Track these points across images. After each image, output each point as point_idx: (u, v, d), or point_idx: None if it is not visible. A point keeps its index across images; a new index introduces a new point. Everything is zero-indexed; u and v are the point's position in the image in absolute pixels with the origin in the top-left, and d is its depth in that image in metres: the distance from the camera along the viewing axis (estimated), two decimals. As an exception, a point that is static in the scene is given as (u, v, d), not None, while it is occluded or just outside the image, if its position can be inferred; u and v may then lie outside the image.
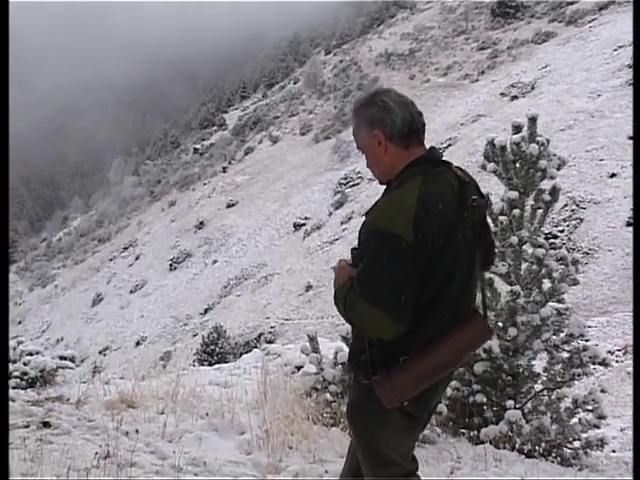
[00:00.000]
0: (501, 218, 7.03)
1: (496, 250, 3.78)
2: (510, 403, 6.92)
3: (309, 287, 48.82)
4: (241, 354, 23.47)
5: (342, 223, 57.36)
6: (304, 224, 62.81)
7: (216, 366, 10.35)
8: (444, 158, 3.54)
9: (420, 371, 3.27)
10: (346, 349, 6.79)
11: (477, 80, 78.65)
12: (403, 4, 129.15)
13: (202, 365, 23.93)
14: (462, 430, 7.09)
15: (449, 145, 61.66)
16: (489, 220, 3.48)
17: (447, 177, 3.43)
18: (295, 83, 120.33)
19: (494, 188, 7.84)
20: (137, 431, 6.02)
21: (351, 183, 66.04)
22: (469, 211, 3.41)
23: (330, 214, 61.56)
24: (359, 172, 66.78)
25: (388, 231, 3.19)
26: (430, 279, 3.26)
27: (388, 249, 3.20)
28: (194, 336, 49.36)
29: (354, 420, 3.65)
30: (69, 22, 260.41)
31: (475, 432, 6.95)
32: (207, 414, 6.47)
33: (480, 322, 3.44)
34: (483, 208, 3.56)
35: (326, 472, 5.35)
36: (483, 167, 7.43)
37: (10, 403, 6.66)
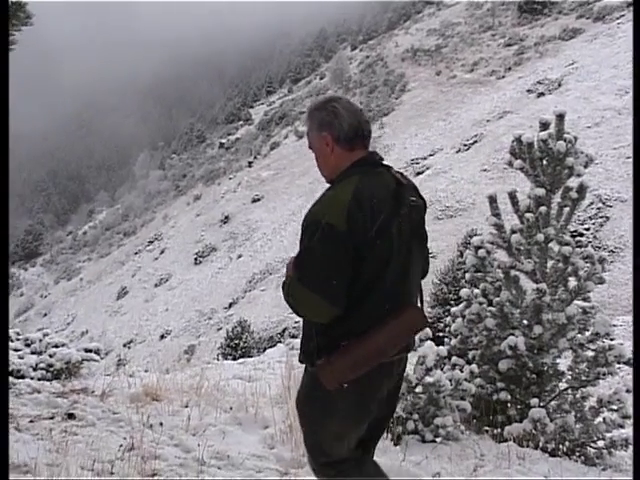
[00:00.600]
0: (527, 215, 7.00)
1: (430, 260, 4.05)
2: (534, 401, 6.90)
3: (334, 282, 48.85)
4: (265, 349, 23.49)
5: (367, 218, 57.33)
6: (330, 220, 62.82)
7: (240, 360, 10.38)
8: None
9: (358, 355, 3.49)
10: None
11: (503, 77, 78.29)
12: (430, 0, 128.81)
13: (226, 359, 24.01)
14: (486, 428, 7.08)
15: (475, 142, 61.46)
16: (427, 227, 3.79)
17: (384, 177, 3.75)
18: (321, 78, 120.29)
19: (520, 185, 7.82)
20: (161, 424, 6.05)
21: (376, 178, 66.02)
22: (406, 210, 3.69)
23: (356, 210, 61.57)
24: (385, 168, 66.73)
25: (323, 221, 3.47)
26: (363, 268, 3.51)
27: (322, 237, 3.46)
28: (218, 330, 49.48)
29: (302, 408, 3.85)
30: (97, 19, 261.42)
31: (499, 430, 6.94)
32: (231, 408, 6.49)
33: (415, 311, 3.70)
34: (421, 209, 3.84)
35: (349, 467, 5.36)
36: (510, 164, 7.40)
37: (35, 394, 6.72)
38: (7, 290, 3.55)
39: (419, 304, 3.87)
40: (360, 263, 3.50)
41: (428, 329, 6.63)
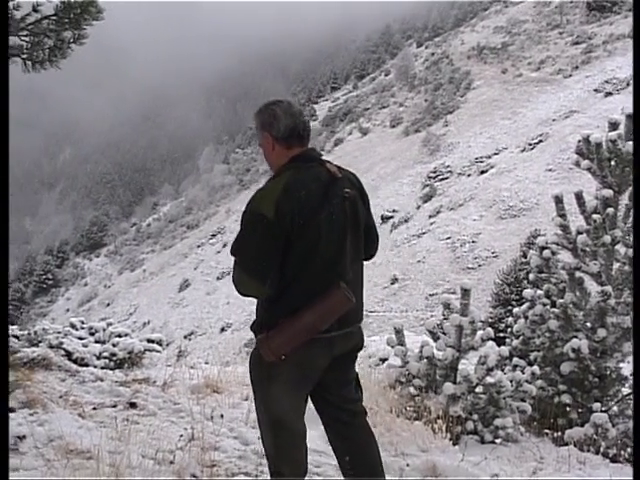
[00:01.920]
0: (594, 217, 6.92)
1: (378, 245, 4.54)
2: (596, 405, 6.81)
3: (395, 280, 48.73)
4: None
5: (430, 217, 57.08)
6: (392, 217, 62.73)
7: (301, 355, 10.39)
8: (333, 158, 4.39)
9: (292, 331, 3.92)
10: (432, 344, 6.77)
11: (570, 75, 77.38)
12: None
13: (286, 354, 24.13)
14: (546, 430, 7.00)
15: (540, 141, 60.88)
16: (370, 214, 4.46)
17: (316, 171, 4.12)
18: (386, 75, 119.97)
19: (585, 186, 7.73)
20: (222, 416, 6.08)
21: (440, 177, 65.67)
22: (338, 200, 4.08)
23: (418, 207, 61.35)
24: (449, 166, 66.38)
25: (255, 211, 3.94)
26: (293, 252, 3.95)
27: (253, 225, 3.95)
28: (279, 324, 49.74)
29: (252, 375, 4.24)
30: (164, 14, 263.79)
31: (559, 433, 6.85)
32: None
33: (341, 292, 3.97)
34: (355, 199, 4.22)
35: (407, 465, 5.33)
36: (577, 164, 7.32)
37: (99, 383, 6.81)
38: (7, 290, 3.64)
39: (360, 286, 4.27)
40: (290, 248, 3.94)
41: (490, 329, 6.60)
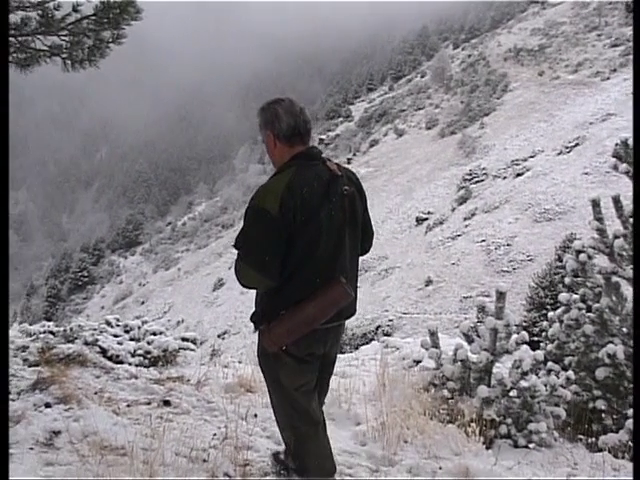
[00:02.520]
0: (632, 221, 6.85)
1: (373, 240, 4.89)
2: (632, 412, 6.75)
3: (429, 282, 48.58)
4: (358, 345, 23.47)
5: (465, 219, 56.86)
6: (427, 218, 62.57)
7: (334, 356, 10.38)
8: (327, 156, 4.48)
9: (292, 323, 4.18)
10: (466, 347, 6.75)
11: (608, 78, 76.80)
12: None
13: (319, 354, 24.11)
14: (580, 436, 6.94)
15: (577, 144, 60.44)
16: (365, 212, 4.78)
17: (318, 169, 4.34)
18: (422, 77, 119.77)
19: (622, 189, 7.65)
20: (255, 415, 6.10)
21: (476, 179, 65.41)
22: (338, 198, 4.32)
23: (453, 209, 61.13)
24: (484, 168, 66.07)
25: (259, 207, 4.15)
26: (295, 247, 4.17)
27: (257, 220, 4.15)
28: (313, 325, 49.74)
29: (260, 364, 4.58)
30: (201, 14, 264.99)
31: (593, 439, 6.79)
32: (324, 403, 6.52)
33: (341, 286, 4.23)
34: (354, 197, 4.48)
35: (440, 469, 5.32)
36: (615, 167, 7.25)
37: (133, 380, 6.86)
38: (7, 289, 3.68)
39: (355, 280, 4.53)
40: (292, 243, 4.15)
41: (525, 333, 6.58)
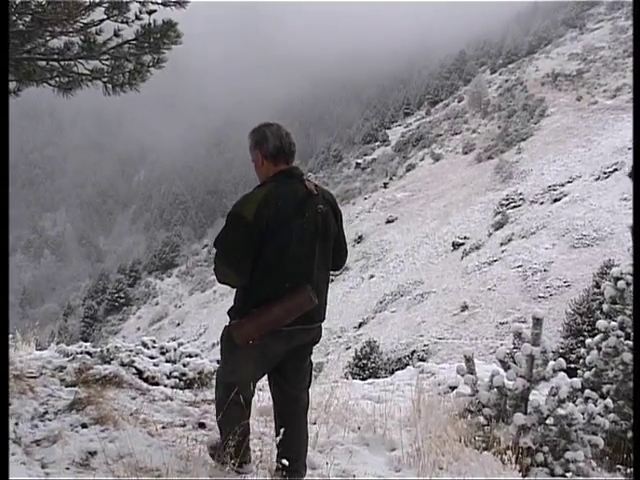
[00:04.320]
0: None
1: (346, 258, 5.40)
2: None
3: (465, 307, 48.35)
4: (393, 370, 23.36)
5: (502, 244, 56.60)
6: (463, 243, 62.34)
7: (369, 380, 10.34)
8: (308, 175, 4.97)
9: (260, 321, 4.68)
10: (503, 373, 6.70)
11: (648, 103, 76.16)
12: (572, 23, 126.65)
13: (354, 379, 24.06)
14: (618, 466, 6.86)
15: (615, 169, 60.08)
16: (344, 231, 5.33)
17: (295, 187, 4.86)
18: (459, 101, 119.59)
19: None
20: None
21: (512, 204, 65.13)
22: (310, 214, 4.83)
23: (490, 235, 60.86)
24: (521, 193, 65.80)
25: (237, 212, 4.73)
26: (266, 251, 4.70)
27: (234, 224, 4.73)
28: (347, 349, 49.61)
29: (220, 345, 5.06)
30: (238, 38, 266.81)
31: (632, 469, 6.71)
32: (359, 428, 6.48)
33: (307, 292, 4.72)
34: (326, 215, 4.95)
35: (476, 496, 5.29)
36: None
37: (168, 402, 6.87)
38: (7, 289, 3.73)
39: (324, 290, 5.04)
40: (264, 247, 4.69)
41: (562, 360, 6.52)
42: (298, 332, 4.88)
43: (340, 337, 55.59)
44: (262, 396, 7.40)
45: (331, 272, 5.27)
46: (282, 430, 5.00)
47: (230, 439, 4.93)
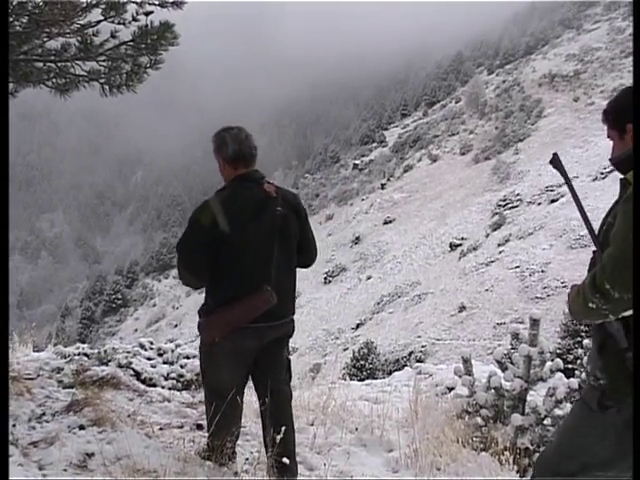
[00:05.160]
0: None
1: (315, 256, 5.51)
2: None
3: (462, 308, 48.35)
4: (390, 371, 23.36)
5: (499, 245, 56.62)
6: (460, 244, 62.34)
7: (367, 382, 10.33)
8: (267, 178, 5.13)
9: (223, 320, 4.86)
10: (500, 374, 6.70)
11: (646, 104, 76.28)
12: (569, 24, 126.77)
13: (351, 380, 24.08)
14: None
15: (612, 170, 59.91)
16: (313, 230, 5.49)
17: (252, 190, 5.00)
18: (457, 102, 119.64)
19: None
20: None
21: (510, 205, 65.17)
22: (269, 216, 4.95)
23: (487, 235, 60.88)
24: (518, 194, 65.87)
25: (195, 217, 4.88)
26: (224, 253, 4.84)
27: (192, 228, 4.90)
28: (344, 350, 49.56)
29: (199, 356, 5.33)
30: (235, 39, 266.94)
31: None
32: (356, 429, 6.48)
33: (264, 293, 4.84)
34: (286, 217, 5.03)
35: (473, 497, 5.29)
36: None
37: (166, 403, 6.87)
38: (7, 289, 3.74)
39: (290, 288, 5.19)
40: (221, 250, 4.83)
41: (559, 360, 6.53)
42: (266, 329, 5.02)
43: (338, 338, 55.61)
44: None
45: (306, 268, 5.53)
46: (268, 427, 5.12)
47: (219, 440, 5.13)
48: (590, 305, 3.23)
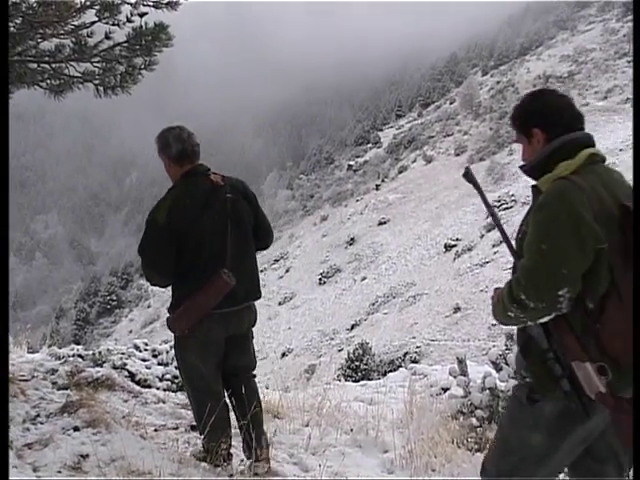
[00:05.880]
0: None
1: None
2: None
3: (457, 309, 48.34)
4: (385, 372, 23.35)
5: (494, 246, 56.57)
6: (455, 245, 62.30)
7: (361, 382, 10.33)
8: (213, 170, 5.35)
9: (188, 311, 5.01)
10: (495, 375, 6.71)
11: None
12: (563, 25, 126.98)
13: (346, 381, 24.09)
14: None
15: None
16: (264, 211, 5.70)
17: (200, 183, 5.18)
18: (451, 103, 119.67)
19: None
20: (281, 442, 6.10)
21: (504, 206, 65.05)
22: (220, 204, 5.13)
23: (482, 236, 60.84)
24: (513, 195, 65.85)
25: (151, 218, 5.04)
26: (184, 249, 5.01)
27: (149, 229, 5.05)
28: (339, 351, 49.55)
29: (174, 347, 5.44)
30: (230, 41, 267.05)
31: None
32: (351, 430, 6.48)
33: (222, 277, 4.99)
34: (236, 201, 5.23)
35: (468, 498, 5.29)
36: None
37: (161, 404, 6.87)
38: (7, 289, 3.75)
39: (249, 270, 5.33)
40: (181, 246, 5.00)
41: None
42: (232, 315, 5.21)
43: (332, 339, 55.55)
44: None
45: (265, 251, 5.94)
46: (238, 412, 5.39)
47: (214, 441, 5.23)
48: (509, 314, 3.39)
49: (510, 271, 3.88)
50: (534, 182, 3.60)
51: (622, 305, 3.17)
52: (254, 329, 5.65)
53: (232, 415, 5.49)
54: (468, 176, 3.96)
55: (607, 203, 3.28)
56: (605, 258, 3.19)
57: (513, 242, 3.76)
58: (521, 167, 3.74)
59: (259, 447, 5.26)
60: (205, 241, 5.07)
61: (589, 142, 3.53)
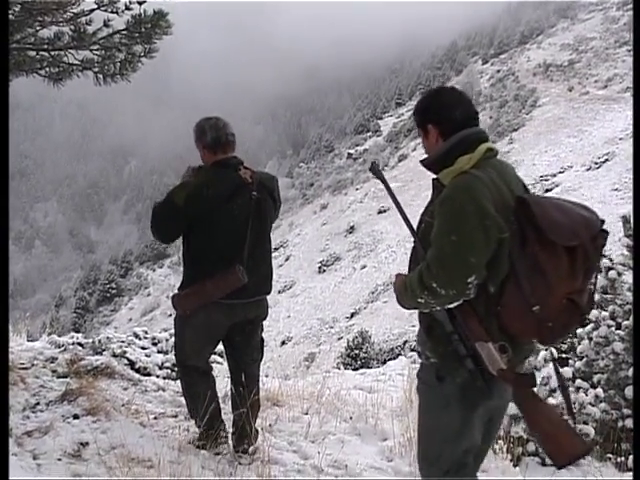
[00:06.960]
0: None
1: None
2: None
3: (456, 297, 48.33)
4: (385, 360, 23.35)
5: (492, 234, 56.60)
6: (454, 233, 62.28)
7: (361, 371, 10.32)
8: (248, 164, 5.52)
9: (195, 295, 5.18)
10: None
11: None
12: (564, 14, 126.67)
13: (345, 369, 24.10)
14: (609, 455, 6.85)
15: (606, 160, 60.12)
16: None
17: (229, 176, 5.31)
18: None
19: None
20: (281, 430, 6.10)
21: (503, 194, 65.05)
22: (244, 200, 5.26)
23: (481, 224, 60.81)
24: (512, 183, 65.79)
25: (169, 196, 5.23)
26: (197, 233, 5.21)
27: (164, 207, 5.25)
28: (339, 339, 49.61)
29: (174, 323, 5.55)
30: (231, 29, 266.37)
31: (623, 458, 6.70)
32: (351, 418, 6.48)
33: (235, 273, 5.12)
34: (261, 201, 5.35)
35: (467, 485, 5.28)
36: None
37: (160, 392, 6.87)
38: (7, 277, 3.76)
39: (264, 266, 5.47)
40: (195, 229, 5.21)
41: (553, 349, 6.54)
42: (239, 306, 5.31)
43: (332, 327, 55.63)
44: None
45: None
46: (237, 399, 5.49)
47: (202, 423, 5.36)
48: (419, 300, 3.55)
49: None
50: (434, 175, 3.80)
51: (520, 288, 3.35)
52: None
53: (226, 408, 5.65)
54: (374, 170, 4.25)
55: (505, 194, 3.48)
56: (506, 246, 3.38)
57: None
58: (421, 161, 3.90)
59: (248, 436, 5.41)
60: (220, 232, 5.20)
61: (484, 137, 3.77)
